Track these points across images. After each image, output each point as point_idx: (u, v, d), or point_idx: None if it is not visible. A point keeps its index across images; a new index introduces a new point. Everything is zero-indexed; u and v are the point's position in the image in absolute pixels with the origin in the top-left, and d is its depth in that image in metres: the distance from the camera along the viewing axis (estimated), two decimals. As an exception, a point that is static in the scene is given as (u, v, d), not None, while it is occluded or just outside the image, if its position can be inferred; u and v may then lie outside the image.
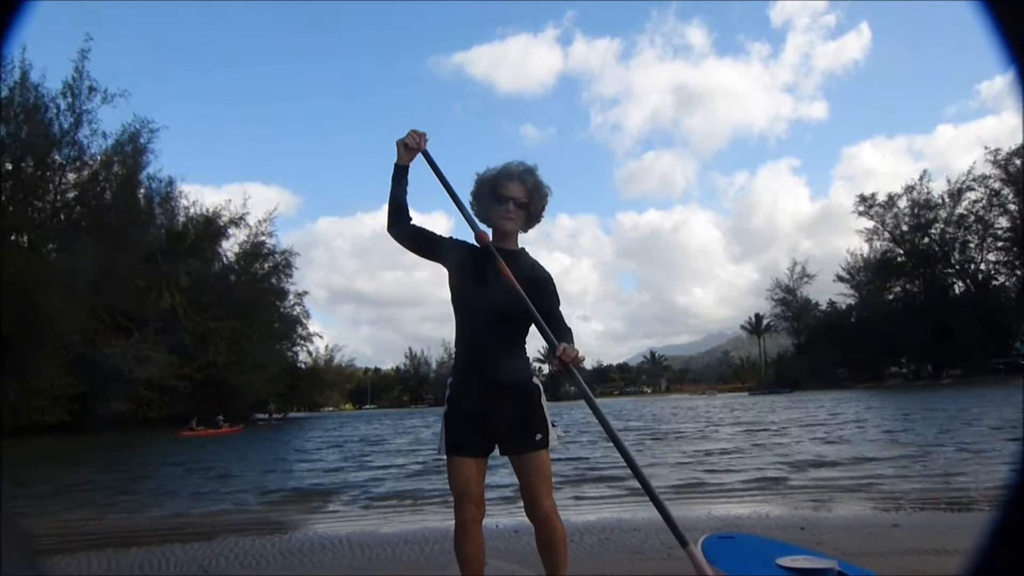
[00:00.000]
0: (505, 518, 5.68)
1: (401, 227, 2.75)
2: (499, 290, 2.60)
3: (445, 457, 2.72)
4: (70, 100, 42.19)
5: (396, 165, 2.71)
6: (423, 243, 2.78)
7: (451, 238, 2.80)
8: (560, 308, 2.79)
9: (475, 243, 2.72)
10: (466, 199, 2.83)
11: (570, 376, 2.55)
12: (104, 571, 4.76)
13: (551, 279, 2.83)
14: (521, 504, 2.76)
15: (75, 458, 19.47)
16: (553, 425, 2.74)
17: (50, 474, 13.76)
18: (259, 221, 56.42)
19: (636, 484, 2.58)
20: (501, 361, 2.69)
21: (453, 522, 2.67)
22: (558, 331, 2.69)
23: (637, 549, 4.50)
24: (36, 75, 41.22)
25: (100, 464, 16.84)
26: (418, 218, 2.79)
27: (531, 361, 2.93)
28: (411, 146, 2.69)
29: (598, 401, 2.53)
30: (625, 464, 2.47)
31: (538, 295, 2.69)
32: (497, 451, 2.75)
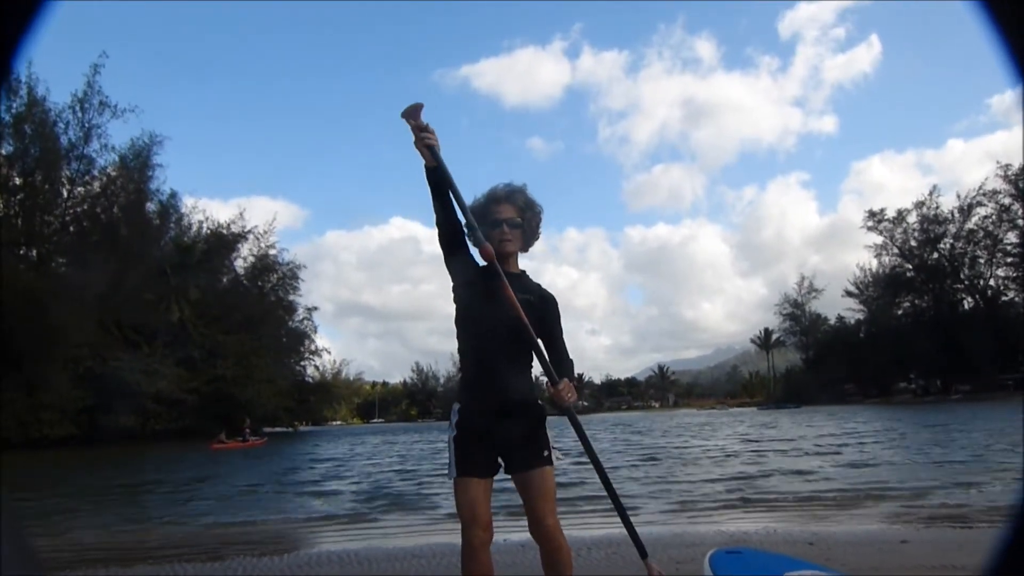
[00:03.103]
0: (512, 534, 5.66)
1: (447, 223, 2.67)
2: (508, 308, 2.61)
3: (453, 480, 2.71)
4: (79, 114, 42.74)
5: (425, 168, 2.64)
6: (453, 241, 2.72)
7: (468, 252, 2.76)
8: (563, 335, 2.83)
9: (480, 260, 2.69)
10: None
11: (566, 414, 2.67)
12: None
13: (555, 302, 2.85)
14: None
15: (120, 469, 19.54)
16: (554, 447, 2.75)
17: (102, 489, 13.78)
18: (262, 233, 57.01)
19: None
20: (509, 378, 2.69)
21: (459, 536, 2.66)
22: (559, 361, 2.74)
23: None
24: (41, 89, 41.73)
25: (132, 476, 16.87)
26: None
27: (535, 381, 2.95)
28: (428, 143, 2.60)
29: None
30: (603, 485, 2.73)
31: (544, 317, 2.75)
32: (501, 471, 2.75)
